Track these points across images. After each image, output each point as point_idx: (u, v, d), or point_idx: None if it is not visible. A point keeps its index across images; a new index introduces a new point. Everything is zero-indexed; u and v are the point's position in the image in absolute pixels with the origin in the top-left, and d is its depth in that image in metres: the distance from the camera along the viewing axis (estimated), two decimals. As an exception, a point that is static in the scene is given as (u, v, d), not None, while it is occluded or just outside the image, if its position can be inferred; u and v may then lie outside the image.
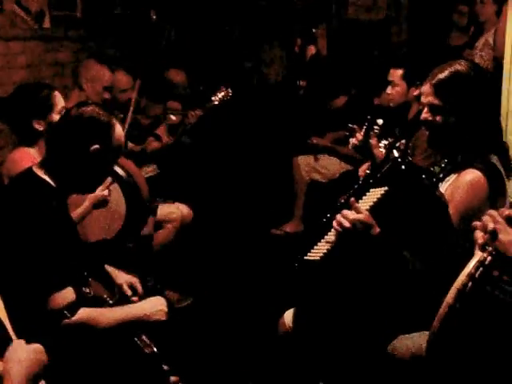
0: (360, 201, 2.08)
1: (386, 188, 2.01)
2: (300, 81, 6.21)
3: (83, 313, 1.99)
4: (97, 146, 2.09)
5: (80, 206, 2.91)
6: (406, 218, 2.00)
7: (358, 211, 2.01)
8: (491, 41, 4.78)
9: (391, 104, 3.92)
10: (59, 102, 2.99)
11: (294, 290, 2.52)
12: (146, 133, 4.44)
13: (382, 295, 2.09)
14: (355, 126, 4.11)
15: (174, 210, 3.76)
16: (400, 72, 3.81)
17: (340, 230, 2.03)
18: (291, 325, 2.44)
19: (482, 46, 4.79)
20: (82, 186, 2.24)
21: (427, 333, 1.89)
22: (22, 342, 1.70)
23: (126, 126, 3.99)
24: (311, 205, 4.86)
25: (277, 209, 5.07)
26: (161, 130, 4.55)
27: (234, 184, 5.25)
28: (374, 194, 2.06)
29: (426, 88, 2.22)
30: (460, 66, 2.17)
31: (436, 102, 2.18)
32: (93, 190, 2.38)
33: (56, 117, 2.93)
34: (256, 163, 5.47)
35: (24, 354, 1.66)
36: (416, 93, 3.65)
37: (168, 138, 4.46)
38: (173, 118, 4.65)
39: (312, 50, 6.65)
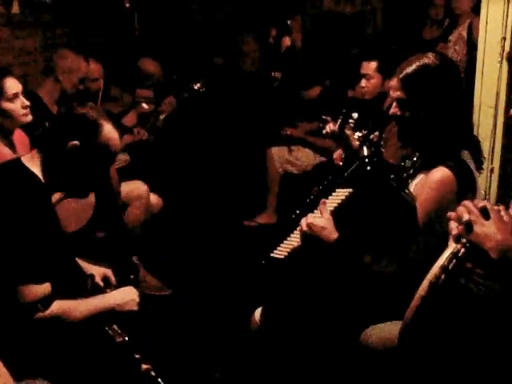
0: (328, 199, 2.07)
1: (350, 190, 1.99)
2: (274, 72, 6.19)
3: (56, 305, 1.99)
4: (75, 142, 2.03)
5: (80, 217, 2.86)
6: (370, 220, 1.98)
7: (322, 212, 2.02)
8: (465, 34, 4.82)
9: (366, 96, 3.91)
10: (11, 88, 2.88)
11: (261, 284, 2.51)
12: (117, 123, 4.36)
13: (348, 290, 2.08)
14: (328, 118, 4.11)
15: (136, 186, 3.67)
16: (374, 65, 3.81)
17: (301, 232, 2.06)
18: (259, 321, 2.42)
19: (455, 39, 4.82)
20: (70, 187, 2.17)
21: (398, 322, 1.91)
22: None
23: None
24: (284, 196, 4.84)
25: (250, 200, 5.05)
26: (130, 119, 4.48)
27: (206, 175, 5.20)
28: (339, 196, 2.05)
29: (394, 82, 2.18)
30: (427, 58, 2.12)
31: (403, 96, 2.14)
32: (83, 194, 2.27)
33: (6, 104, 2.86)
34: (230, 154, 5.43)
35: None
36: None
37: (139, 128, 4.40)
38: (145, 106, 4.60)
39: (287, 41, 6.64)
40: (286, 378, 2.33)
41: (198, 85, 4.74)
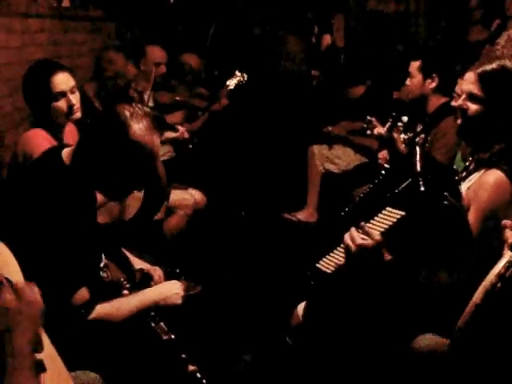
0: (374, 220, 2.02)
1: (403, 213, 1.92)
2: (313, 70, 6.18)
3: (100, 309, 1.98)
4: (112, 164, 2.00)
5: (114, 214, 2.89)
6: (424, 241, 1.94)
7: (368, 235, 1.97)
8: (515, 36, 4.72)
9: (409, 96, 3.88)
10: (58, 86, 2.86)
11: (304, 290, 2.49)
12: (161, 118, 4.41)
13: (398, 302, 2.05)
14: (373, 119, 4.08)
15: (186, 197, 3.73)
16: (417, 64, 3.77)
17: (347, 252, 2.02)
18: (302, 317, 2.43)
19: (504, 42, 4.73)
20: (106, 188, 2.11)
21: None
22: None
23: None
24: (325, 195, 4.82)
25: (291, 197, 5.02)
26: (176, 117, 4.52)
27: (248, 171, 5.21)
28: (389, 217, 1.98)
29: (469, 76, 2.18)
30: (510, 61, 2.15)
31: (477, 91, 2.14)
32: (118, 196, 2.27)
33: (53, 102, 2.85)
34: (271, 151, 5.43)
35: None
36: (432, 86, 3.62)
37: (186, 125, 4.43)
38: (195, 103, 4.64)
39: (327, 39, 6.62)
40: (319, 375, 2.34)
41: (238, 78, 4.74)
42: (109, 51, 3.92)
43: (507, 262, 1.57)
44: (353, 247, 1.99)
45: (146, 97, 4.25)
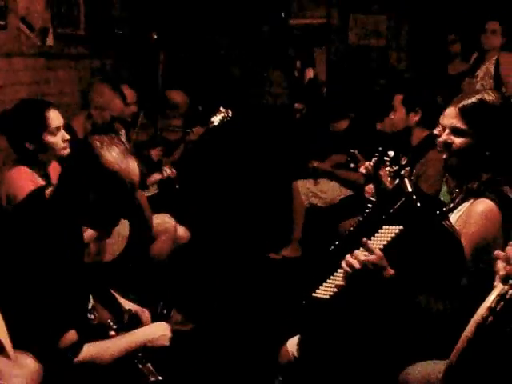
0: (372, 238, 2.04)
1: (401, 227, 1.95)
2: (296, 103, 6.23)
3: (86, 351, 1.95)
4: (119, 203, 2.02)
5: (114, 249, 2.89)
6: (419, 256, 1.96)
7: (370, 252, 1.99)
8: (492, 70, 4.83)
9: (393, 128, 3.92)
10: (54, 121, 2.90)
11: (298, 323, 2.47)
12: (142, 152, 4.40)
13: (394, 328, 2.06)
14: (356, 151, 4.11)
15: (165, 220, 3.68)
16: (400, 97, 3.82)
17: (350, 270, 2.02)
18: (295, 354, 2.40)
19: (483, 74, 4.83)
20: (92, 221, 2.10)
21: (439, 362, 1.88)
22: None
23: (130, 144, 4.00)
24: (310, 229, 4.82)
25: (275, 233, 5.03)
26: (157, 152, 4.52)
27: (232, 207, 5.21)
28: (387, 233, 2.00)
29: (451, 110, 2.21)
30: (488, 95, 2.18)
31: (459, 125, 2.18)
32: (105, 227, 2.22)
33: (49, 137, 2.87)
34: (254, 186, 5.44)
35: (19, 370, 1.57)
36: (415, 119, 3.66)
37: (165, 159, 4.43)
38: (171, 136, 4.65)
39: (310, 73, 6.69)
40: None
41: (222, 114, 4.77)
42: (98, 82, 3.91)
43: (497, 295, 1.56)
44: (356, 264, 1.99)
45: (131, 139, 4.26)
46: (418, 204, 1.97)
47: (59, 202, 2.01)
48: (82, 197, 1.97)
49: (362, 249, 2.02)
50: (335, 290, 2.10)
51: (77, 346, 1.93)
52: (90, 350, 1.96)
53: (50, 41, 4.37)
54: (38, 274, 1.90)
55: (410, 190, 2.01)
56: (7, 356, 1.51)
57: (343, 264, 2.03)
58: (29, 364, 1.54)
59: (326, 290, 2.15)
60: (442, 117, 2.28)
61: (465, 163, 2.21)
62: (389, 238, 1.99)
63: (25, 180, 2.83)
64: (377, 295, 2.01)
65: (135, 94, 4.43)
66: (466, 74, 5.14)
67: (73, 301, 1.96)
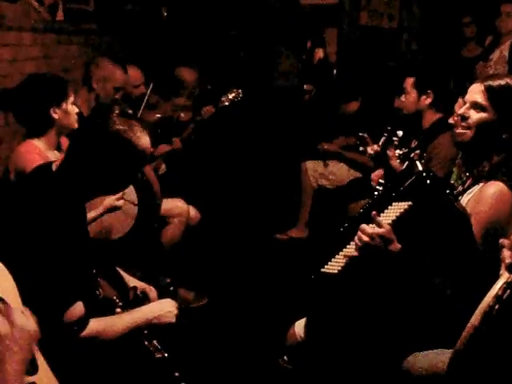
0: (382, 214, 2.05)
1: (410, 203, 1.97)
2: (305, 85, 6.19)
3: (92, 326, 1.95)
4: (127, 171, 2.05)
5: (93, 208, 2.87)
6: (429, 234, 1.96)
7: (379, 225, 1.99)
8: (506, 53, 4.76)
9: (404, 112, 3.89)
10: (71, 92, 2.98)
11: (307, 299, 2.48)
12: (154, 132, 4.38)
13: (400, 311, 2.05)
14: (365, 135, 4.08)
15: (178, 205, 3.70)
16: (412, 80, 3.78)
17: (358, 244, 2.02)
18: (302, 335, 2.40)
19: (496, 58, 4.77)
20: (105, 192, 2.22)
21: (444, 350, 1.88)
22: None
23: None
24: (317, 211, 4.82)
25: (282, 213, 5.03)
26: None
27: (240, 187, 5.20)
28: (397, 209, 2.02)
29: (476, 86, 2.21)
30: None
31: (482, 101, 2.17)
32: (116, 193, 2.31)
33: (69, 107, 2.92)
34: (264, 167, 5.42)
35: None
36: (427, 102, 3.62)
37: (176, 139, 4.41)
38: (182, 115, 4.60)
39: (320, 53, 6.63)
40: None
41: (233, 94, 4.73)
42: (97, 57, 3.88)
43: (504, 283, 1.55)
44: (364, 237, 1.99)
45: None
46: (428, 181, 1.97)
47: (66, 173, 2.02)
48: (91, 168, 1.99)
49: (371, 225, 2.02)
50: (343, 264, 2.11)
51: (84, 320, 1.93)
52: (96, 325, 1.96)
53: (59, 16, 4.35)
54: (43, 245, 1.89)
55: (420, 169, 2.01)
56: None
57: (357, 235, 2.03)
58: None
59: (334, 265, 2.16)
60: (460, 99, 2.26)
61: (478, 140, 2.18)
62: (398, 214, 2.00)
63: (33, 154, 2.83)
64: (385, 271, 2.00)
65: (142, 74, 4.38)
66: (479, 57, 5.08)
67: (80, 273, 1.96)
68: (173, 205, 3.64)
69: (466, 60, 5.26)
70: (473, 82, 2.25)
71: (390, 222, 2.00)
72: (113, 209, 2.97)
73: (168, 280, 3.64)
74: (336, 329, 2.21)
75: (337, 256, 2.16)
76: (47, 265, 1.88)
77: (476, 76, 4.64)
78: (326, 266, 2.18)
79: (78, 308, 1.92)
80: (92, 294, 2.07)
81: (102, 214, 2.93)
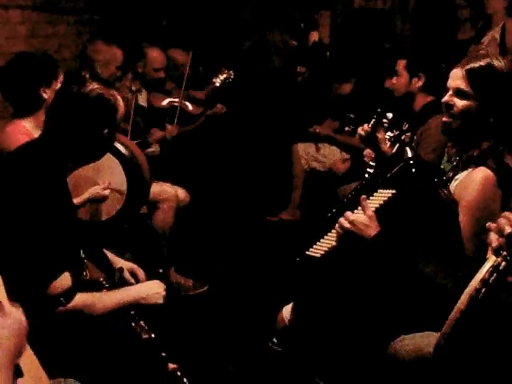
0: (367, 201, 2.05)
1: (394, 191, 1.98)
2: (299, 67, 6.15)
3: (79, 299, 1.96)
4: (107, 131, 2.09)
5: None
6: (412, 222, 1.96)
7: (364, 210, 2.01)
8: (498, 36, 4.71)
9: (396, 94, 3.86)
10: (61, 72, 2.94)
11: (293, 282, 2.48)
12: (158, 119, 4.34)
13: (384, 295, 2.05)
14: (352, 115, 4.05)
15: (166, 189, 3.68)
16: (404, 62, 3.75)
17: (340, 231, 2.04)
18: (289, 318, 2.41)
19: (488, 41, 4.73)
20: (85, 160, 2.22)
21: (431, 333, 1.88)
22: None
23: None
24: (309, 193, 4.82)
25: (274, 196, 5.03)
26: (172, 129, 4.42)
27: (232, 169, 5.18)
28: (381, 196, 2.03)
29: (457, 72, 2.17)
30: (496, 60, 2.14)
31: (464, 86, 2.13)
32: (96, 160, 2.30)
33: (59, 86, 2.85)
34: (255, 149, 5.41)
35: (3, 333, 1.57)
36: (418, 84, 3.60)
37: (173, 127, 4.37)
38: (190, 108, 4.56)
39: (315, 36, 6.59)
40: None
41: (224, 75, 4.69)
42: (91, 42, 3.83)
43: (491, 266, 1.55)
44: (345, 224, 2.02)
45: (140, 97, 4.18)
46: (414, 170, 1.97)
47: (46, 144, 2.06)
48: (70, 134, 2.04)
49: (356, 211, 2.02)
50: (326, 249, 2.13)
51: (70, 291, 1.94)
52: (83, 298, 1.97)
53: (49, -6, 4.29)
54: (29, 217, 1.90)
55: (410, 155, 2.00)
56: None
57: (338, 221, 2.05)
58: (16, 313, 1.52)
59: (318, 249, 2.17)
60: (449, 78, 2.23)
61: (465, 127, 2.17)
62: (381, 202, 2.00)
63: (20, 134, 2.81)
64: (367, 257, 2.00)
65: (165, 58, 4.33)
66: (472, 40, 5.04)
67: (66, 245, 1.97)
68: (160, 189, 3.61)
69: (461, 42, 5.22)
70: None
71: (373, 209, 2.01)
72: (98, 199, 2.98)
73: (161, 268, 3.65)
74: (320, 312, 2.21)
75: (321, 240, 2.18)
76: (33, 237, 1.90)
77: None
78: (310, 249, 2.20)
79: (65, 279, 1.93)
80: (79, 271, 2.07)
81: (86, 202, 2.94)
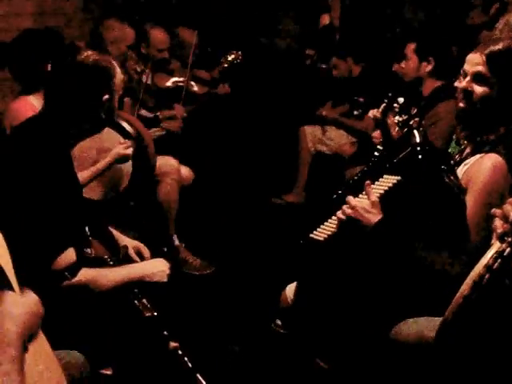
0: (372, 186, 2.05)
1: (399, 178, 1.97)
2: (307, 49, 6.11)
3: (84, 274, 1.97)
4: (107, 96, 2.08)
5: (87, 165, 2.84)
6: (419, 209, 1.95)
7: (368, 196, 2.00)
8: (512, 21, 4.66)
9: (405, 78, 3.84)
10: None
11: (296, 264, 2.49)
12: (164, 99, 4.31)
13: (386, 279, 2.05)
14: (361, 99, 4.02)
15: (168, 162, 3.65)
16: (413, 46, 3.72)
17: (342, 217, 2.05)
18: (292, 298, 2.41)
19: (502, 26, 4.66)
20: (88, 130, 2.21)
21: (433, 318, 1.88)
22: (17, 295, 1.64)
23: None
24: (315, 176, 4.80)
25: (280, 178, 5.02)
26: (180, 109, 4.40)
27: (238, 151, 5.17)
28: (386, 182, 2.02)
29: (476, 56, 2.11)
30: None
31: (484, 71, 2.08)
32: (95, 129, 2.28)
33: None
34: (262, 131, 5.39)
35: (18, 309, 1.59)
36: (428, 69, 3.56)
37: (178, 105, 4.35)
38: (195, 88, 4.54)
39: (325, 19, 6.53)
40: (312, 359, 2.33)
41: (233, 56, 4.67)
42: (105, 19, 3.82)
43: (495, 252, 1.54)
44: (347, 209, 2.02)
45: (144, 77, 4.17)
46: (420, 156, 1.96)
47: (48, 117, 2.06)
48: (72, 104, 2.05)
49: (360, 195, 2.01)
50: (329, 233, 2.13)
51: (75, 266, 1.95)
52: (87, 273, 1.98)
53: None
54: (34, 193, 1.91)
55: (417, 140, 1.98)
56: (11, 288, 1.52)
57: (342, 208, 2.05)
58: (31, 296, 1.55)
59: (321, 232, 2.17)
60: (465, 63, 2.18)
61: (484, 114, 2.12)
62: (386, 188, 1.99)
63: (28, 111, 2.81)
64: (369, 243, 2.00)
65: (169, 39, 4.31)
66: (484, 25, 4.98)
67: (71, 221, 1.98)
68: (162, 161, 3.57)
69: (471, 27, 5.16)
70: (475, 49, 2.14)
71: (377, 195, 2.01)
72: (122, 159, 2.94)
73: (176, 239, 3.65)
74: (323, 293, 2.22)
75: (325, 223, 2.17)
76: (38, 211, 1.90)
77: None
78: (314, 232, 2.20)
79: (70, 254, 1.94)
80: (83, 247, 2.09)
81: (111, 165, 2.91)
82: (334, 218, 2.15)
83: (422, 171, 1.96)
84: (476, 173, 2.07)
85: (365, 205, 2.00)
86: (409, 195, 1.96)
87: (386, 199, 1.99)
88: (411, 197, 1.95)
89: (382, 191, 2.01)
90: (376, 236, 1.99)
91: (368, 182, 2.02)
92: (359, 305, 2.12)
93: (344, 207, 2.04)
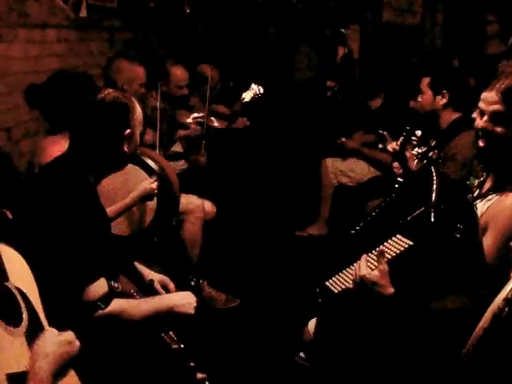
0: (385, 244, 2.02)
1: (411, 243, 1.92)
2: (328, 81, 6.18)
3: (116, 304, 2.01)
4: (129, 131, 2.14)
5: (114, 201, 2.90)
6: (432, 272, 1.92)
7: (378, 263, 1.99)
8: (529, 51, 4.69)
9: (421, 112, 3.86)
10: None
11: (314, 307, 2.50)
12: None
13: (405, 338, 2.01)
14: (385, 133, 4.05)
15: (192, 200, 3.71)
16: (427, 80, 3.75)
17: (356, 279, 2.04)
18: (313, 334, 2.43)
19: (519, 57, 4.70)
20: (111, 167, 2.26)
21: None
22: (53, 332, 1.69)
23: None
24: (337, 208, 4.82)
25: (302, 210, 5.04)
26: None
27: (261, 184, 5.22)
28: (398, 245, 1.98)
29: (491, 95, 2.09)
30: None
31: (502, 109, 2.06)
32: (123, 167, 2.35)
33: None
34: (284, 163, 5.44)
35: (52, 346, 1.64)
36: (442, 102, 3.58)
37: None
38: (215, 123, 4.62)
39: (342, 50, 6.62)
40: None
41: (254, 91, 4.75)
42: (114, 60, 3.88)
43: (515, 286, 1.56)
44: (356, 279, 2.03)
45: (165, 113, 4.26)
46: (433, 220, 1.89)
47: (73, 155, 2.14)
48: (90, 140, 2.12)
49: (371, 255, 2.03)
50: (343, 286, 2.13)
51: (108, 296, 1.99)
52: (119, 303, 2.02)
53: (83, 13, 4.39)
54: (64, 227, 1.96)
55: (433, 197, 1.92)
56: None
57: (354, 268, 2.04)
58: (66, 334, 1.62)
59: (337, 284, 2.17)
60: (480, 101, 2.14)
61: (502, 153, 2.10)
62: (397, 251, 1.96)
63: (56, 151, 2.87)
64: (382, 302, 1.99)
65: (188, 75, 4.42)
66: (502, 55, 5.00)
67: (102, 252, 2.02)
68: (187, 200, 3.63)
69: (489, 57, 5.19)
70: (489, 85, 2.12)
71: (389, 258, 1.98)
72: (148, 196, 3.01)
73: (193, 280, 3.69)
74: (339, 335, 2.21)
75: (340, 274, 2.18)
76: (68, 245, 1.95)
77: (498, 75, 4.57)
78: (330, 281, 2.21)
79: (102, 284, 1.99)
80: (113, 281, 2.13)
81: (138, 200, 2.98)
82: (348, 270, 2.14)
83: (434, 235, 1.90)
84: (498, 213, 2.05)
85: (373, 276, 1.98)
86: (421, 259, 1.92)
87: (397, 264, 1.95)
88: (423, 259, 1.92)
89: (393, 254, 1.98)
90: (387, 303, 1.98)
91: (381, 248, 2.00)
92: (379, 344, 2.10)
93: (357, 271, 2.03)
